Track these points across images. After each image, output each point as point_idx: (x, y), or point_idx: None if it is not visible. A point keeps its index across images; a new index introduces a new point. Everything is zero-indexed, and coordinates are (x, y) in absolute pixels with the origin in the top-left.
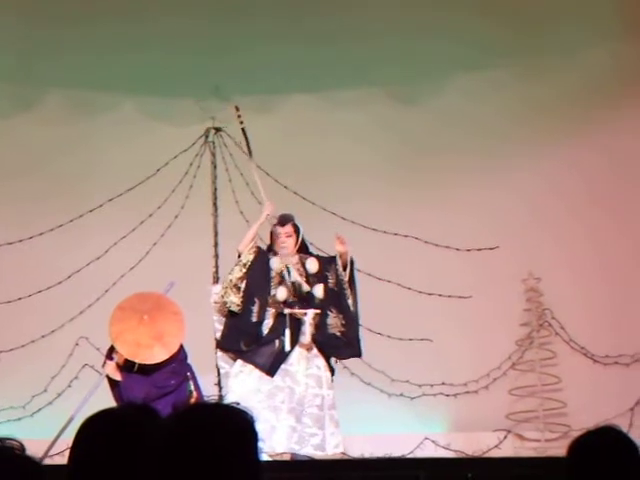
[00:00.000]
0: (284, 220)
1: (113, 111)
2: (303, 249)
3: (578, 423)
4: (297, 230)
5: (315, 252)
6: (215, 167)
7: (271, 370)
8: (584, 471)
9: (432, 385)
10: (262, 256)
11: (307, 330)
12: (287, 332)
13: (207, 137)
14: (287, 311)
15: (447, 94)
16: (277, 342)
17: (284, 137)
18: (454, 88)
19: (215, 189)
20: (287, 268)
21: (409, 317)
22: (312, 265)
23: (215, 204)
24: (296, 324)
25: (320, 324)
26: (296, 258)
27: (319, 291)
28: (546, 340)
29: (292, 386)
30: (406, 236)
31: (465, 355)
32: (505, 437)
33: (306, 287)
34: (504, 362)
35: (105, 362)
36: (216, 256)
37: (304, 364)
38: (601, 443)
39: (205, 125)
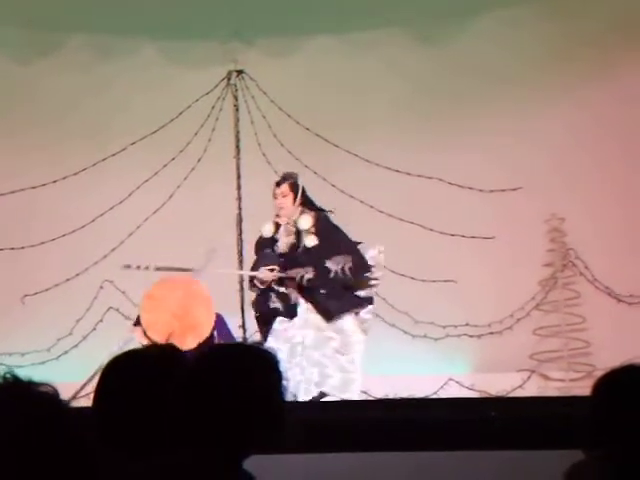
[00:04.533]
0: (280, 180)
1: (134, 55)
2: (307, 205)
3: (602, 362)
4: (295, 188)
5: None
6: (237, 110)
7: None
8: (609, 410)
9: (456, 326)
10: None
11: (292, 293)
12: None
13: (229, 80)
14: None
15: (469, 36)
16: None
17: (304, 79)
18: (475, 30)
19: (238, 132)
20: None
21: (433, 258)
22: (304, 221)
23: (238, 147)
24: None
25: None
26: (294, 216)
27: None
28: (570, 280)
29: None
30: (430, 178)
31: (489, 296)
32: (529, 377)
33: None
34: (528, 303)
35: (134, 327)
36: (239, 199)
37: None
38: (626, 381)
39: (227, 68)
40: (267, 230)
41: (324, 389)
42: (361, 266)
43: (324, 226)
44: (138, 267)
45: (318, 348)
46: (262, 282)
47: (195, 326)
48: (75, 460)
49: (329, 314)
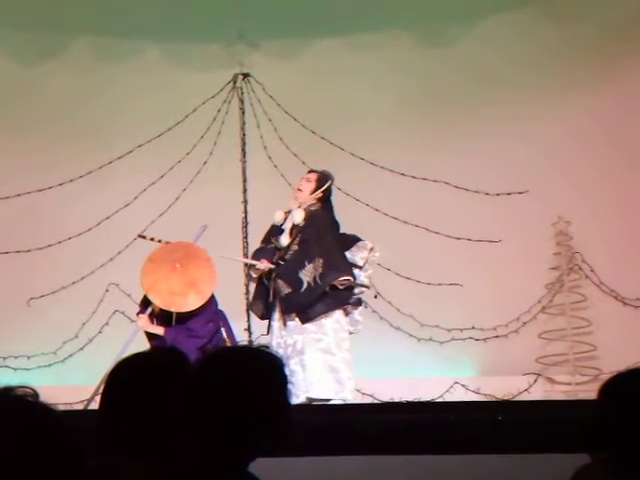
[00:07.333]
0: (313, 169)
1: (139, 57)
2: (325, 203)
3: (608, 366)
4: (321, 181)
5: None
6: (243, 113)
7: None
8: (615, 413)
9: (462, 329)
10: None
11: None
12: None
13: (235, 83)
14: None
15: (472, 39)
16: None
17: (310, 82)
18: (479, 33)
19: (243, 135)
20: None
21: (438, 262)
22: (297, 215)
23: (244, 150)
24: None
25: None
26: (300, 207)
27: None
28: (576, 283)
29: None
30: (435, 181)
31: (495, 299)
32: (535, 381)
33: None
34: (534, 306)
35: (138, 316)
36: (245, 202)
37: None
38: (632, 385)
39: (232, 71)
40: (276, 218)
41: (311, 395)
42: (330, 268)
43: (312, 225)
44: (152, 239)
45: (305, 352)
46: (256, 272)
47: (195, 282)
48: (60, 461)
49: (306, 318)
